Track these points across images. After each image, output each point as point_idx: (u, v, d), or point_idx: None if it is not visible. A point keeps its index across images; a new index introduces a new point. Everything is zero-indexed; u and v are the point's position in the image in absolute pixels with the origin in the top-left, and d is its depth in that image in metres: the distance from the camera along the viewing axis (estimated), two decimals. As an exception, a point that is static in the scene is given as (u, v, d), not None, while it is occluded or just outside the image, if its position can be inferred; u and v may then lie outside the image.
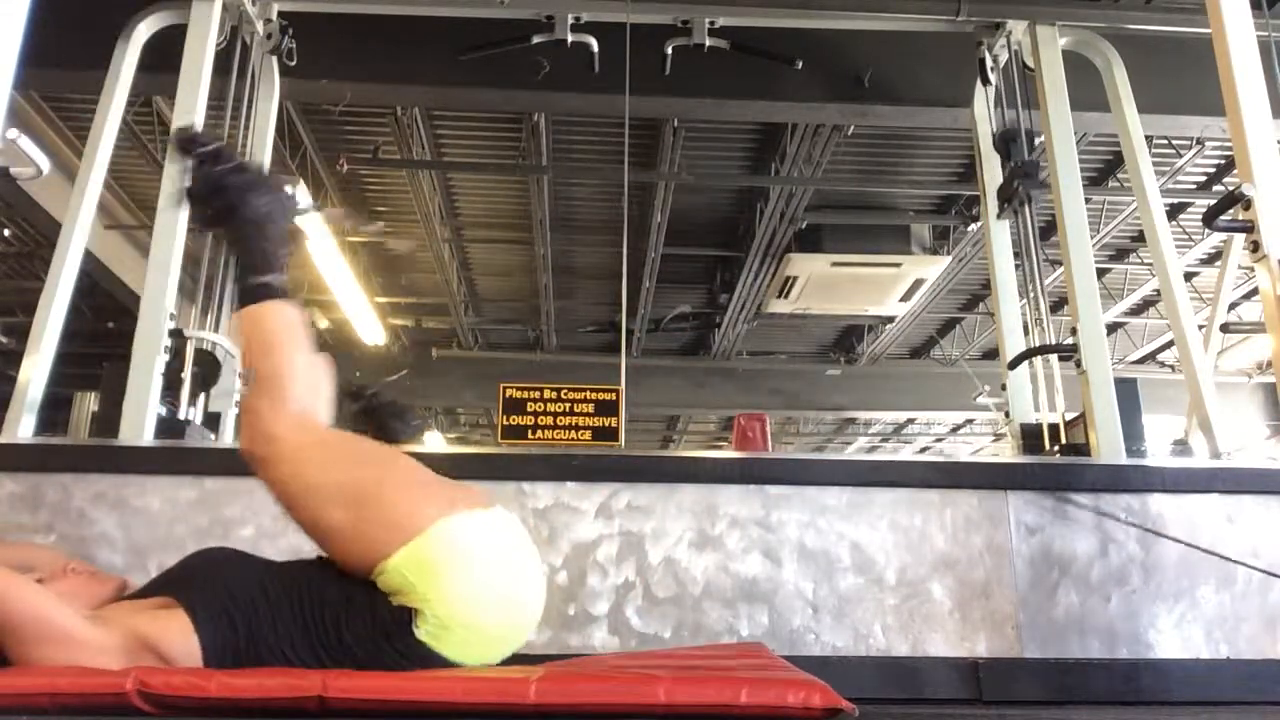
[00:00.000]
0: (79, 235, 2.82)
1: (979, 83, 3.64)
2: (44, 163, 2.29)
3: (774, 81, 4.32)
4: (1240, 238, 2.21)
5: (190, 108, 2.93)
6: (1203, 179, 6.83)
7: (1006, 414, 3.23)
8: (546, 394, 7.24)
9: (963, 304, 9.47)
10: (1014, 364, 3.21)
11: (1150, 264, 7.48)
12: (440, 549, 1.34)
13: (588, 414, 7.03)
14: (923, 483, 2.15)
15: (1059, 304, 5.67)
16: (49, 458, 2.12)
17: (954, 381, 9.97)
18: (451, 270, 8.46)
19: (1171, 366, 10.05)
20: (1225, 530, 2.12)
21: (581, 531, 2.08)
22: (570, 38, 3.63)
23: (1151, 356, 10.42)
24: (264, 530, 2.02)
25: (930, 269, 7.47)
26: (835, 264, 7.24)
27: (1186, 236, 7.47)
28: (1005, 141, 3.33)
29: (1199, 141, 6.07)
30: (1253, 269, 2.13)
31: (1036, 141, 3.64)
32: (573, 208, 7.49)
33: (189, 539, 1.98)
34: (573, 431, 7.05)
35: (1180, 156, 6.31)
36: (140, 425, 2.51)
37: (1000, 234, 3.51)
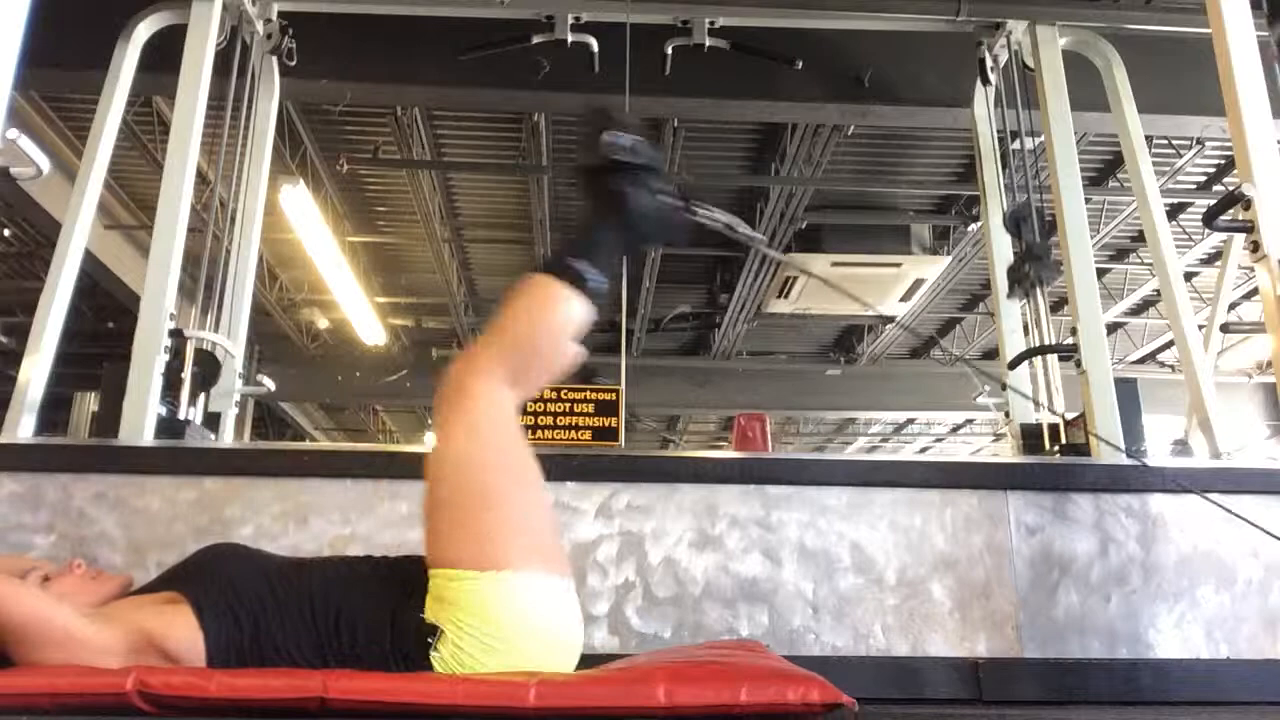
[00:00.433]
0: (79, 235, 2.82)
1: (979, 83, 3.64)
2: (44, 163, 2.29)
3: (774, 81, 4.32)
4: (1240, 238, 2.21)
5: (190, 108, 2.93)
6: (1203, 179, 6.83)
7: (1006, 414, 3.23)
8: (546, 394, 7.24)
9: (963, 304, 9.47)
10: (1014, 364, 3.21)
11: (1150, 264, 7.48)
12: (502, 594, 1.30)
13: (588, 414, 7.03)
14: (923, 483, 2.15)
15: (1059, 304, 5.67)
16: (49, 458, 2.12)
17: (954, 381, 9.97)
18: (451, 270, 8.46)
19: (1171, 366, 10.05)
20: (1225, 530, 2.12)
21: (581, 531, 2.08)
22: (570, 38, 3.63)
23: (1151, 356, 10.43)
24: (264, 530, 2.02)
25: (930, 269, 7.47)
26: (835, 264, 7.25)
27: (1186, 236, 7.47)
28: (1015, 221, 3.19)
29: (1199, 141, 6.07)
30: (1253, 269, 2.13)
31: (1036, 141, 3.65)
32: (573, 208, 7.48)
33: (189, 539, 1.98)
34: (573, 431, 7.05)
35: (1180, 156, 6.31)
36: (140, 425, 2.51)
37: (1000, 234, 3.51)
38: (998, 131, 3.58)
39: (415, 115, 6.14)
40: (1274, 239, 2.05)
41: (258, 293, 7.70)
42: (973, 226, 7.11)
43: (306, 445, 6.16)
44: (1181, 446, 4.37)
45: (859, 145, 6.28)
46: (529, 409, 7.32)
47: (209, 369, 2.78)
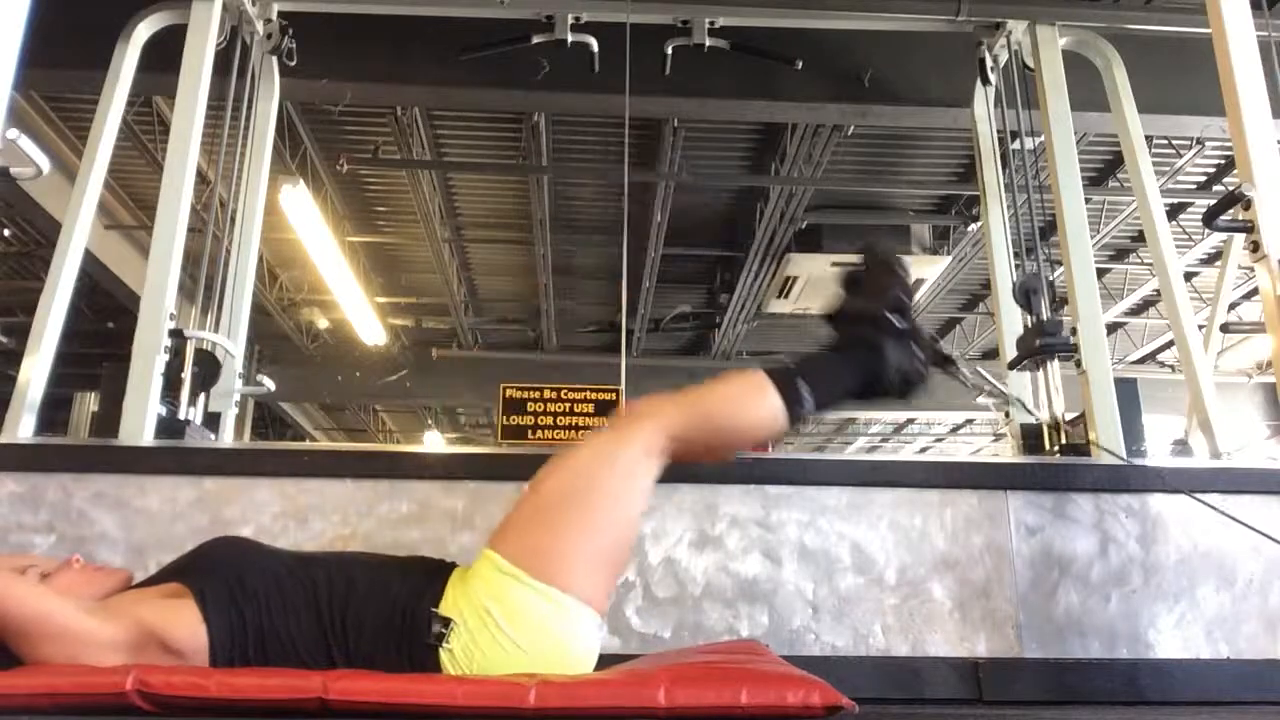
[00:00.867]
0: (79, 235, 2.81)
1: (979, 83, 3.64)
2: (44, 163, 2.28)
3: (774, 81, 4.32)
4: (1240, 238, 2.21)
5: (190, 108, 2.93)
6: (1203, 179, 6.83)
7: (1007, 414, 3.22)
8: (546, 394, 7.26)
9: (963, 304, 9.47)
10: (1014, 364, 3.21)
11: (1150, 264, 7.48)
12: (544, 608, 1.31)
13: (588, 414, 7.04)
14: (923, 483, 2.15)
15: (1059, 304, 5.67)
16: (49, 458, 2.12)
17: (953, 381, 9.95)
18: (451, 270, 8.46)
19: (1171, 366, 10.05)
20: (1225, 530, 2.12)
21: (581, 532, 2.08)
22: (570, 38, 3.63)
23: (1151, 356, 10.42)
24: (264, 530, 2.02)
25: (930, 269, 7.47)
26: (835, 264, 7.25)
27: (1186, 236, 7.47)
28: (1025, 293, 3.08)
29: (1199, 141, 6.07)
30: (1253, 269, 2.12)
31: (1036, 141, 3.64)
32: (573, 208, 7.49)
33: (189, 539, 1.97)
34: (573, 431, 7.06)
35: (1180, 156, 6.31)
36: (140, 425, 2.51)
37: (1000, 234, 3.51)
38: (998, 131, 3.58)
39: (415, 115, 6.14)
40: (1274, 239, 2.05)
41: (258, 293, 7.71)
42: (973, 226, 7.11)
43: (306, 445, 6.15)
44: (1181, 446, 4.37)
45: (859, 145, 6.28)
46: (529, 409, 7.33)
47: (209, 369, 2.78)
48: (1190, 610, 2.08)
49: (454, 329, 9.97)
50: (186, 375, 2.68)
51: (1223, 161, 6.54)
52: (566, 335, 10.03)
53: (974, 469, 2.39)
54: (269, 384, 3.53)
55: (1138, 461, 2.42)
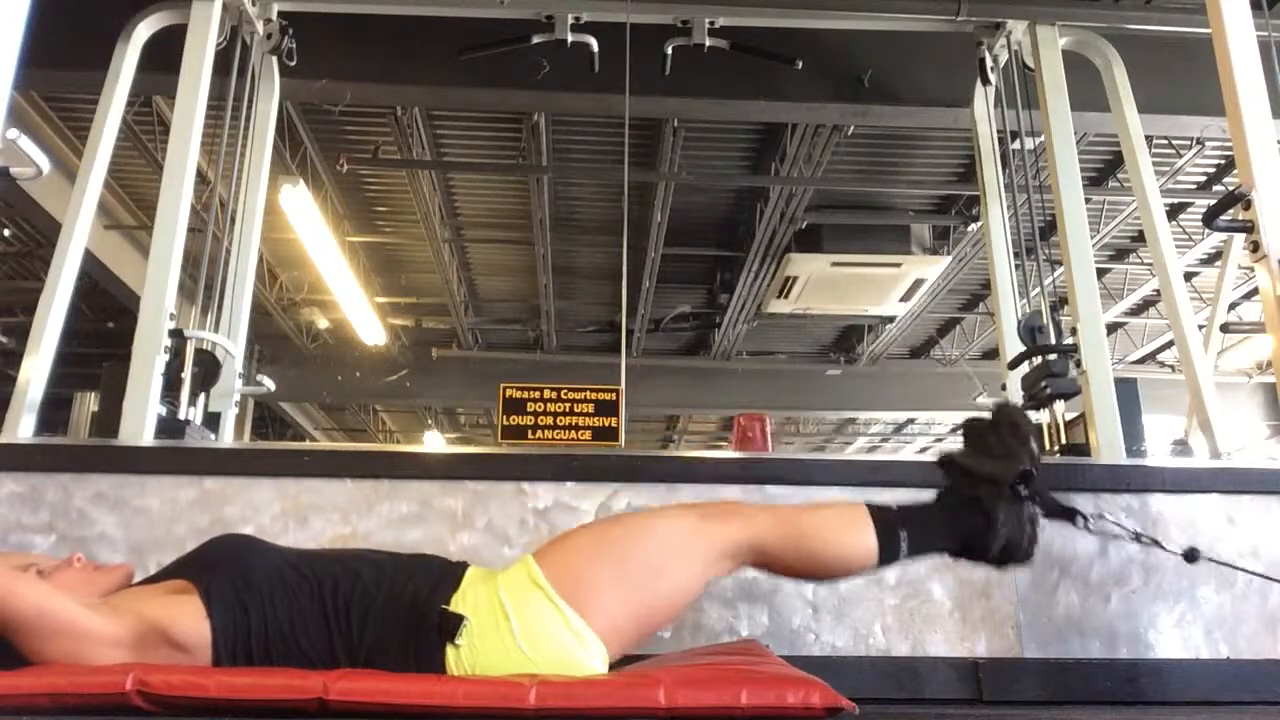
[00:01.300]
0: (79, 235, 2.81)
1: (979, 83, 3.64)
2: (44, 163, 2.28)
3: (774, 81, 4.32)
4: (1240, 238, 2.21)
5: (190, 108, 2.93)
6: (1203, 179, 6.83)
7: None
8: (546, 394, 7.24)
9: (963, 304, 9.47)
10: (1014, 364, 3.21)
11: (1150, 264, 7.48)
12: (561, 630, 1.32)
13: (588, 414, 7.03)
14: (923, 483, 2.13)
15: (1059, 304, 5.67)
16: (49, 458, 2.12)
17: (954, 381, 9.97)
18: (451, 270, 8.46)
19: (1171, 366, 10.05)
20: (1225, 530, 2.12)
21: (581, 532, 2.08)
22: (570, 38, 3.63)
23: (1151, 356, 10.42)
24: (264, 530, 2.02)
25: (930, 269, 7.48)
26: (835, 264, 7.25)
27: (1186, 236, 7.47)
28: (1030, 332, 3.01)
29: (1199, 141, 6.07)
30: (1253, 269, 2.13)
31: (1036, 141, 3.65)
32: (573, 208, 7.49)
33: (189, 539, 1.98)
34: (573, 431, 7.05)
35: (1180, 156, 6.31)
36: (140, 425, 2.51)
37: (1000, 234, 3.51)
38: (998, 131, 3.58)
39: (415, 115, 6.14)
40: (1274, 239, 2.05)
41: (258, 293, 7.70)
42: (973, 226, 7.11)
43: (306, 445, 6.15)
44: (1181, 446, 4.37)
45: (859, 145, 6.28)
46: (529, 408, 7.32)
47: (209, 369, 2.78)
48: (1190, 610, 2.08)
49: (454, 329, 9.97)
50: (186, 375, 2.68)
51: (1223, 161, 6.53)
52: (566, 335, 10.04)
53: (974, 469, 2.37)
54: (269, 384, 3.53)
55: (1138, 461, 2.42)
